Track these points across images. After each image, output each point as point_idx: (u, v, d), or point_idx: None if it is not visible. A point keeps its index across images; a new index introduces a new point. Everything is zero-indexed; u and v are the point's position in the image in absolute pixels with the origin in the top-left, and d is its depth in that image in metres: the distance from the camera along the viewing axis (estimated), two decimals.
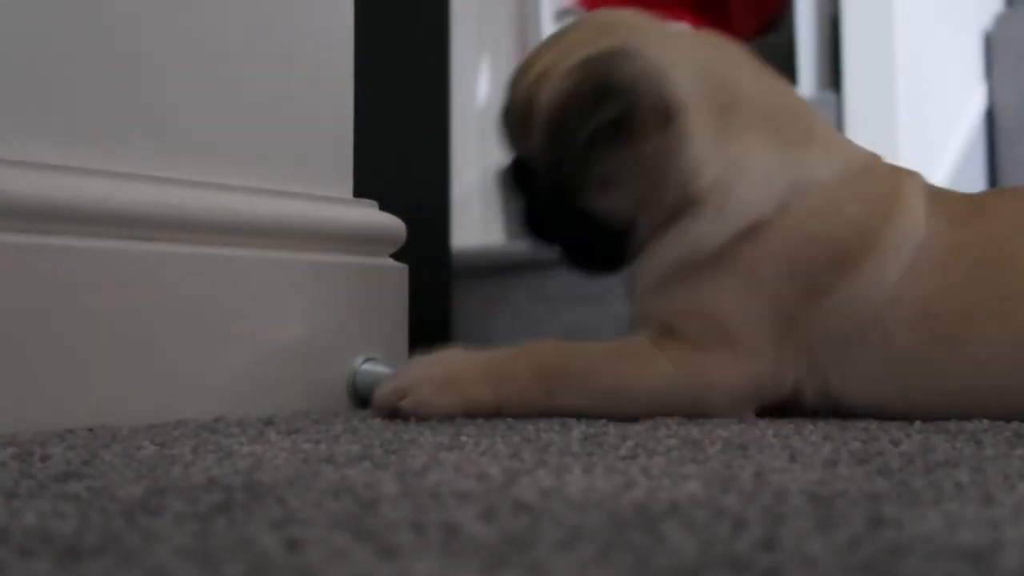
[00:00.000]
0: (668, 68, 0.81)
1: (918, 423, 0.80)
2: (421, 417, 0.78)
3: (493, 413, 0.79)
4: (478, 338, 2.63)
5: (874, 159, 0.89)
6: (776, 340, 0.82)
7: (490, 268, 2.61)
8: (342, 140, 1.02)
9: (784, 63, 2.58)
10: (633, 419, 0.78)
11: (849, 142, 0.90)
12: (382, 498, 0.45)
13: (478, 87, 3.03)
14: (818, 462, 0.57)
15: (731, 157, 0.83)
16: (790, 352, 0.82)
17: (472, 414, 0.79)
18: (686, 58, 0.84)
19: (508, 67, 3.12)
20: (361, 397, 0.96)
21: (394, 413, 0.79)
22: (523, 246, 2.68)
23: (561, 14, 3.08)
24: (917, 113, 2.28)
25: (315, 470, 0.54)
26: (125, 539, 0.37)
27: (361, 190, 1.03)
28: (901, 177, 0.88)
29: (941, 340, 0.82)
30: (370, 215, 1.02)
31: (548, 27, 3.05)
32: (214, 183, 0.89)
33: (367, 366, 0.96)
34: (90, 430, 0.74)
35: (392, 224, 1.04)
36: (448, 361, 0.82)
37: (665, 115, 0.80)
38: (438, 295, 1.79)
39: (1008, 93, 2.43)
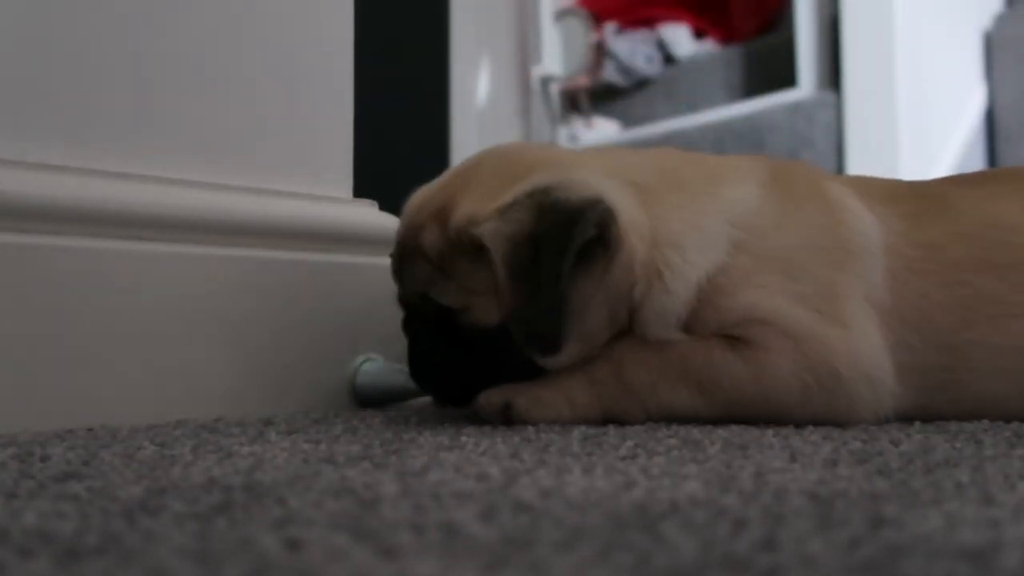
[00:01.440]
0: (604, 191, 0.80)
1: (918, 423, 0.80)
2: (530, 420, 0.78)
3: (599, 420, 0.79)
4: None
5: (769, 165, 0.87)
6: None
7: None
8: (342, 140, 1.02)
9: (784, 63, 2.58)
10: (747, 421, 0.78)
11: (741, 164, 0.88)
12: (382, 498, 0.45)
13: (478, 87, 3.03)
14: (818, 462, 0.57)
15: (660, 236, 0.81)
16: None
17: (580, 421, 0.79)
18: (589, 165, 0.84)
19: (508, 67, 3.13)
20: (361, 397, 0.96)
21: (505, 418, 0.79)
22: None
23: (561, 14, 3.08)
24: (917, 113, 2.28)
25: (315, 470, 0.54)
26: (125, 539, 0.37)
27: (361, 190, 1.03)
28: (815, 178, 0.87)
29: (947, 349, 0.81)
30: (370, 215, 1.02)
31: (548, 27, 3.06)
32: (214, 183, 0.89)
33: (367, 366, 0.96)
34: (90, 430, 0.74)
35: (392, 224, 1.04)
36: (551, 380, 0.81)
37: (610, 235, 0.79)
38: None
39: (1008, 93, 2.43)
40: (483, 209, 0.78)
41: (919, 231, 0.83)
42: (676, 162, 0.87)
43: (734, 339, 0.80)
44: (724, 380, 0.79)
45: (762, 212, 0.83)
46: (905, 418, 0.81)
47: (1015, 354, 0.81)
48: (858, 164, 2.30)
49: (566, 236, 0.76)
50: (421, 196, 0.86)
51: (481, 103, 3.02)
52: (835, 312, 0.79)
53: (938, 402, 0.81)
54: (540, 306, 0.76)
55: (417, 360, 0.84)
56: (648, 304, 0.81)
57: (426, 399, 0.95)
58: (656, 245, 0.81)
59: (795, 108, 2.43)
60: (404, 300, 0.86)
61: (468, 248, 0.78)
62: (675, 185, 0.84)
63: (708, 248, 0.81)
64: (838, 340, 0.78)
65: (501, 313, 0.78)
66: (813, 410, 0.78)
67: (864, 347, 0.79)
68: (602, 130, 2.99)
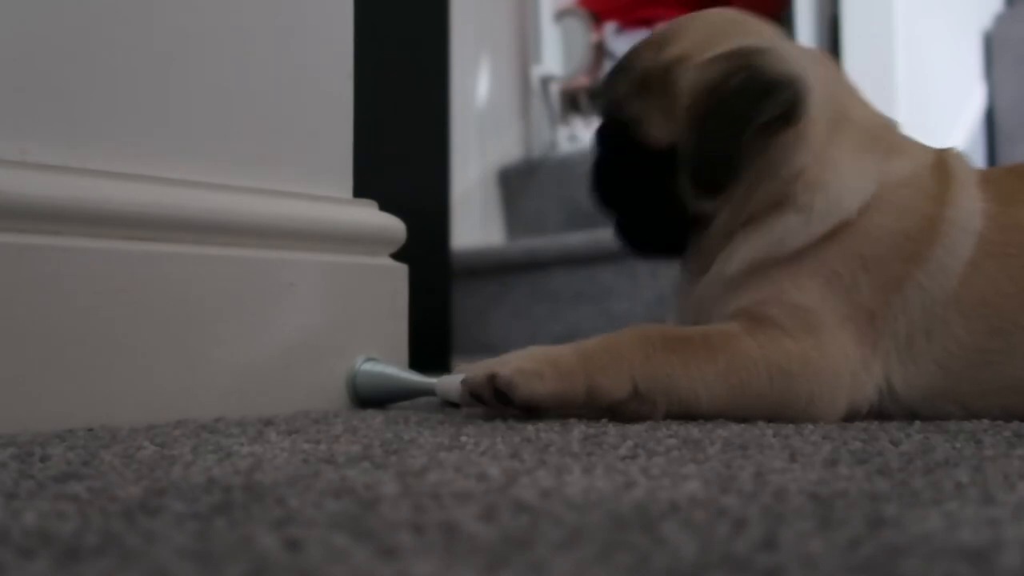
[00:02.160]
0: (807, 74, 0.86)
1: (918, 423, 0.80)
2: (521, 398, 0.77)
3: (583, 391, 0.79)
4: (478, 338, 2.63)
5: (939, 156, 0.91)
6: (856, 339, 0.83)
7: (490, 268, 2.61)
8: (342, 140, 1.02)
9: None
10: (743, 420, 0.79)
11: (923, 146, 0.93)
12: (382, 498, 0.45)
13: (478, 87, 3.03)
14: (818, 462, 0.57)
15: (829, 163, 0.86)
16: (868, 352, 0.83)
17: (565, 390, 0.78)
18: (812, 67, 0.89)
19: (508, 67, 3.13)
20: (361, 397, 0.96)
21: (497, 397, 0.78)
22: (523, 246, 2.69)
23: (561, 14, 3.08)
24: (917, 112, 2.28)
25: (315, 470, 0.54)
26: (125, 539, 0.37)
27: (361, 190, 1.03)
28: (952, 164, 0.90)
29: (997, 332, 0.83)
30: (370, 215, 1.02)
31: (548, 27, 3.06)
32: (214, 183, 0.89)
33: (367, 366, 0.96)
34: (90, 430, 0.74)
35: (392, 224, 1.04)
36: (538, 351, 0.82)
37: (795, 119, 0.85)
38: (438, 295, 1.79)
39: (1008, 93, 2.44)
40: (696, 53, 0.87)
41: (1007, 215, 0.86)
42: (881, 120, 0.93)
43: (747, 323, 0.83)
44: (726, 360, 0.81)
45: (896, 192, 0.86)
46: (910, 415, 0.83)
47: None
48: None
49: (752, 104, 0.83)
50: (652, 35, 0.95)
51: (481, 103, 3.02)
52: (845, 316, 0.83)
53: (962, 383, 0.83)
54: (712, 151, 0.84)
55: (597, 180, 0.94)
56: (767, 223, 0.86)
57: (426, 399, 0.95)
58: (822, 176, 0.86)
59: None
60: (602, 115, 0.96)
61: (668, 80, 0.87)
62: (871, 137, 0.89)
63: (862, 184, 0.86)
64: (812, 346, 0.82)
65: (671, 136, 0.86)
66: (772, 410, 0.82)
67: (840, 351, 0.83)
68: None
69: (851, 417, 0.83)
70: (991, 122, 2.47)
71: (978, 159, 2.44)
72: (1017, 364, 0.83)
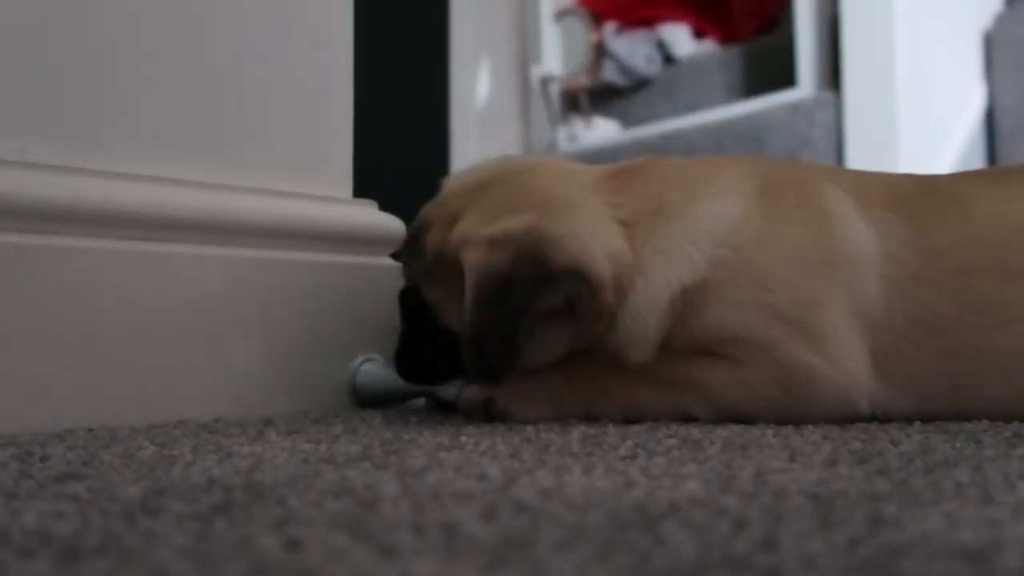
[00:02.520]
0: (591, 247, 0.81)
1: (918, 423, 0.80)
2: (510, 416, 0.81)
3: (581, 416, 0.82)
4: None
5: (764, 169, 0.87)
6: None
7: None
8: (342, 140, 1.02)
9: (784, 63, 2.58)
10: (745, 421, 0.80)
11: (726, 172, 0.88)
12: (382, 498, 0.45)
13: (478, 87, 3.03)
14: (818, 462, 0.57)
15: (637, 260, 0.82)
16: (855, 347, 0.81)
17: (558, 418, 0.81)
18: (592, 223, 0.83)
19: (508, 67, 3.13)
20: (361, 397, 0.96)
21: (486, 412, 0.82)
22: None
23: (561, 14, 3.08)
24: (917, 113, 2.28)
25: (315, 470, 0.54)
26: (125, 539, 0.37)
27: (361, 190, 1.03)
28: (811, 183, 0.86)
29: (949, 354, 0.80)
30: (370, 215, 1.02)
31: (548, 27, 3.06)
32: (214, 183, 0.89)
33: (367, 366, 0.96)
34: (90, 430, 0.74)
35: (392, 224, 1.04)
36: (530, 379, 0.83)
37: (593, 293, 0.80)
38: None
39: (1008, 93, 2.43)
40: (479, 232, 0.81)
41: (924, 237, 0.82)
42: (661, 185, 0.86)
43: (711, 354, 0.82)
44: (703, 385, 0.81)
45: (743, 228, 0.82)
46: (906, 419, 0.81)
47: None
48: (858, 164, 2.30)
49: (535, 294, 0.78)
50: (450, 189, 0.90)
51: (481, 103, 3.02)
52: (809, 323, 0.80)
53: (938, 406, 0.81)
54: (491, 342, 0.78)
55: (401, 339, 0.90)
56: (618, 331, 0.82)
57: (426, 399, 0.95)
58: (628, 274, 0.82)
59: (795, 108, 2.43)
60: (406, 279, 0.92)
61: (453, 263, 0.81)
62: (653, 211, 0.84)
63: (673, 269, 0.81)
64: (804, 352, 0.79)
65: (461, 323, 0.80)
66: (778, 414, 0.80)
67: (836, 355, 0.79)
68: (602, 130, 2.99)
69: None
70: (991, 122, 2.47)
71: (978, 159, 2.44)
72: (980, 385, 0.81)
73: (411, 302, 0.89)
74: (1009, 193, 0.84)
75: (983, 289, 0.80)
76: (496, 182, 0.88)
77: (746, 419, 0.80)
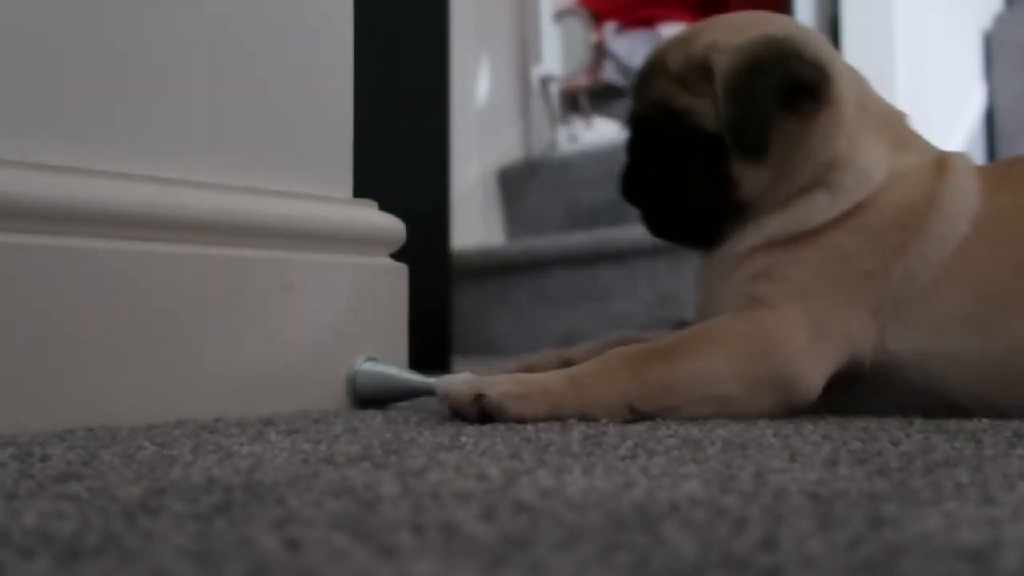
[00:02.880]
0: (834, 60, 0.94)
1: (918, 423, 0.80)
2: (507, 418, 0.78)
3: (575, 415, 0.80)
4: (478, 338, 2.63)
5: (942, 154, 0.97)
6: (847, 299, 0.88)
7: (490, 268, 2.61)
8: (342, 140, 1.02)
9: None
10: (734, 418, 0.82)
11: (928, 142, 0.99)
12: (382, 498, 0.45)
13: (478, 87, 3.03)
14: (818, 462, 0.57)
15: (858, 146, 0.92)
16: (861, 310, 0.88)
17: (553, 415, 0.79)
18: (837, 58, 0.96)
19: (508, 67, 3.13)
20: (361, 397, 0.96)
21: (478, 409, 0.79)
22: (523, 246, 2.69)
23: (561, 14, 3.08)
24: (917, 112, 2.27)
25: (315, 470, 0.54)
26: (125, 539, 0.37)
27: (361, 190, 1.03)
28: (952, 159, 0.96)
29: (984, 298, 0.88)
30: (370, 215, 1.02)
31: (548, 27, 3.06)
32: (214, 183, 0.89)
33: (367, 366, 0.96)
34: (90, 430, 0.74)
35: (392, 224, 1.04)
36: (525, 376, 0.83)
37: (826, 101, 0.91)
38: (438, 295, 1.79)
39: (1008, 93, 2.43)
40: (726, 41, 0.92)
41: (998, 199, 0.92)
42: (894, 112, 0.99)
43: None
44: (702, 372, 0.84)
45: (904, 179, 0.92)
46: (896, 376, 0.87)
47: None
48: None
49: (781, 74, 0.89)
50: (679, 34, 0.99)
51: (481, 103, 3.02)
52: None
53: (954, 347, 0.88)
54: (749, 115, 0.89)
55: (632, 175, 0.98)
56: (795, 204, 0.91)
57: (426, 399, 0.95)
58: (849, 161, 0.91)
59: None
60: (636, 115, 0.99)
61: (704, 69, 0.91)
62: (885, 123, 0.96)
63: (863, 188, 0.91)
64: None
65: (718, 122, 0.90)
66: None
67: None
68: (602, 130, 2.99)
69: (842, 376, 0.88)
70: (991, 122, 2.47)
71: (978, 159, 2.44)
72: (1000, 327, 0.88)
73: (642, 126, 0.97)
74: None
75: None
76: (731, 14, 1.01)
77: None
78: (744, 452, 0.61)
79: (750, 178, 0.91)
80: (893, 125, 0.97)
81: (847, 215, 0.90)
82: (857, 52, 2.32)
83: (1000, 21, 2.48)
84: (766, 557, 0.34)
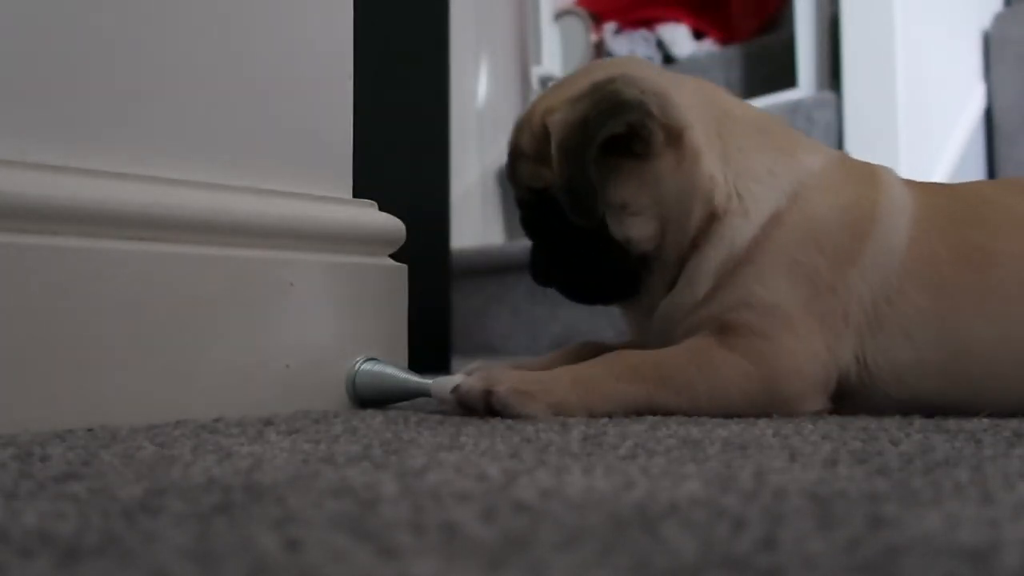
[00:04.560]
0: (668, 90, 0.90)
1: (918, 422, 0.80)
2: (511, 413, 0.80)
3: (581, 414, 0.82)
4: (478, 338, 2.63)
5: (843, 154, 0.98)
6: (823, 315, 0.87)
7: (489, 268, 2.61)
8: (342, 140, 1.02)
9: (784, 63, 2.58)
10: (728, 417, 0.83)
11: (820, 144, 0.99)
12: (382, 498, 0.45)
13: (478, 87, 3.03)
14: (818, 462, 0.57)
15: (737, 166, 0.91)
16: (837, 323, 0.87)
17: (558, 413, 0.82)
18: (680, 85, 0.94)
19: (508, 67, 3.12)
20: (361, 397, 0.96)
21: (485, 404, 0.82)
22: (523, 246, 2.69)
23: (561, 14, 3.08)
24: (916, 113, 2.28)
25: (315, 470, 0.54)
26: (125, 539, 0.37)
27: (361, 190, 1.03)
28: (871, 164, 0.97)
29: (942, 293, 0.88)
30: (370, 215, 1.02)
31: (548, 27, 3.06)
32: (214, 183, 0.89)
33: (367, 366, 0.96)
34: (90, 430, 0.74)
35: (392, 224, 1.04)
36: (530, 374, 0.85)
37: (673, 133, 0.88)
38: (438, 295, 1.79)
39: (1007, 93, 2.43)
40: (558, 100, 0.91)
41: (933, 197, 0.93)
42: (768, 118, 0.97)
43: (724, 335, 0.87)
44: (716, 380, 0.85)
45: (821, 179, 0.91)
46: (882, 396, 0.88)
47: (995, 298, 0.88)
48: None
49: (601, 123, 0.86)
50: (531, 105, 0.98)
51: (481, 103, 3.02)
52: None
53: (929, 354, 0.88)
54: (577, 179, 0.86)
55: (535, 258, 0.98)
56: (715, 233, 0.89)
57: (426, 399, 0.95)
58: (736, 176, 0.90)
59: (795, 108, 2.43)
60: (518, 199, 0.99)
61: (547, 137, 0.90)
62: (759, 130, 0.94)
63: (773, 195, 0.90)
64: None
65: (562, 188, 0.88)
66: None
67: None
68: None
69: (836, 399, 0.89)
70: (990, 122, 2.46)
71: (978, 159, 2.44)
72: (959, 325, 0.88)
73: (524, 211, 0.97)
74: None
75: (970, 238, 0.90)
76: (572, 74, 0.99)
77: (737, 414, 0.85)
78: (744, 452, 0.61)
79: (634, 232, 0.90)
80: (771, 130, 0.95)
81: (780, 227, 0.88)
82: (857, 52, 2.32)
83: (999, 21, 2.48)
84: (766, 557, 0.34)
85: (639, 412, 0.84)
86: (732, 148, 0.91)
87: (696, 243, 0.90)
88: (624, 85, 0.88)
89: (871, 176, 0.94)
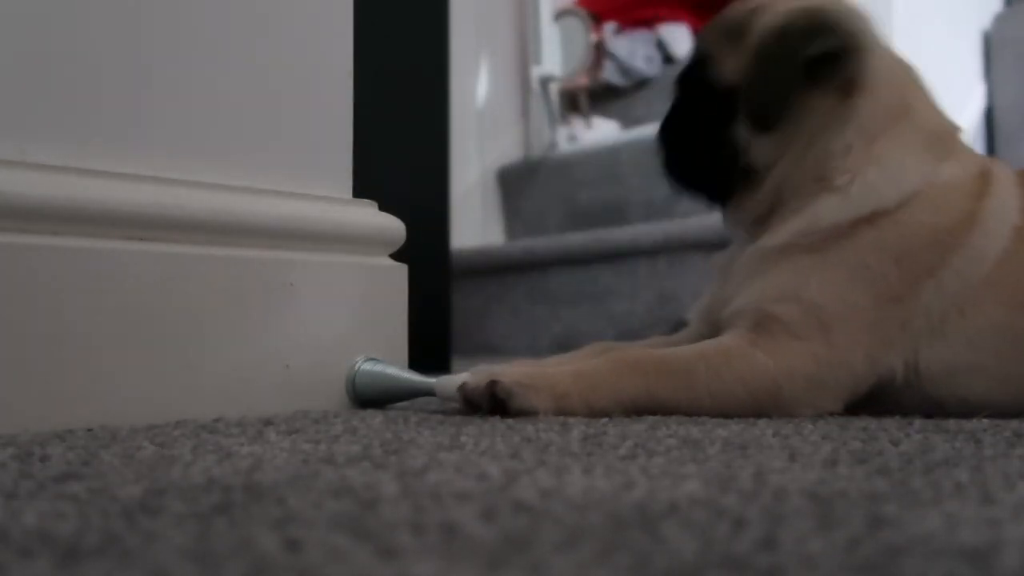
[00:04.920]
0: (876, 47, 0.91)
1: (917, 422, 0.80)
2: (517, 409, 0.80)
3: (583, 412, 0.82)
4: (478, 338, 2.63)
5: (986, 166, 0.94)
6: (875, 322, 0.86)
7: (490, 268, 2.61)
8: (342, 140, 1.02)
9: None
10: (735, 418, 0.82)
11: (975, 153, 0.97)
12: (382, 498, 0.45)
13: (478, 87, 3.03)
14: (818, 462, 0.57)
15: (876, 152, 0.90)
16: (891, 331, 0.86)
17: (560, 410, 0.82)
18: (888, 53, 0.94)
19: (508, 67, 3.12)
20: (361, 397, 0.96)
21: (490, 395, 0.82)
22: (523, 246, 2.69)
23: (561, 14, 3.08)
24: None
25: (315, 470, 0.54)
26: (125, 539, 0.37)
27: (361, 190, 1.03)
28: (995, 170, 0.94)
29: (1021, 311, 0.87)
30: (370, 215, 1.02)
31: (548, 27, 3.06)
32: (214, 183, 0.89)
33: (367, 366, 0.96)
34: (90, 430, 0.74)
35: (392, 224, 1.04)
36: (535, 371, 0.85)
37: (857, 85, 0.89)
38: (438, 295, 1.79)
39: (1007, 92, 2.43)
40: (772, 3, 0.93)
41: None
42: (944, 123, 0.95)
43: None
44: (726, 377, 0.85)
45: (939, 190, 0.90)
46: (924, 395, 0.87)
47: None
48: None
49: (804, 42, 0.88)
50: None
51: (481, 103, 3.02)
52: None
53: (988, 359, 0.87)
54: (765, 85, 0.89)
55: (664, 120, 1.01)
56: (813, 196, 0.90)
57: (426, 399, 0.95)
58: (869, 159, 0.89)
59: None
60: (689, 63, 1.01)
61: (745, 25, 0.92)
62: (923, 128, 0.92)
63: (887, 193, 0.89)
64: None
65: (738, 75, 0.91)
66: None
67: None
68: (602, 130, 2.99)
69: (872, 397, 0.88)
70: (991, 122, 2.47)
71: None
72: None
73: (690, 69, 0.99)
74: None
75: None
76: None
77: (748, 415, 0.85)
78: (744, 452, 0.61)
79: (756, 147, 0.92)
80: (940, 135, 0.93)
81: (869, 226, 0.87)
82: None
83: (1000, 21, 2.48)
84: (766, 557, 0.34)
85: (639, 407, 0.83)
86: (887, 131, 0.90)
87: (797, 194, 0.91)
88: (839, 12, 0.90)
89: (985, 183, 0.91)
